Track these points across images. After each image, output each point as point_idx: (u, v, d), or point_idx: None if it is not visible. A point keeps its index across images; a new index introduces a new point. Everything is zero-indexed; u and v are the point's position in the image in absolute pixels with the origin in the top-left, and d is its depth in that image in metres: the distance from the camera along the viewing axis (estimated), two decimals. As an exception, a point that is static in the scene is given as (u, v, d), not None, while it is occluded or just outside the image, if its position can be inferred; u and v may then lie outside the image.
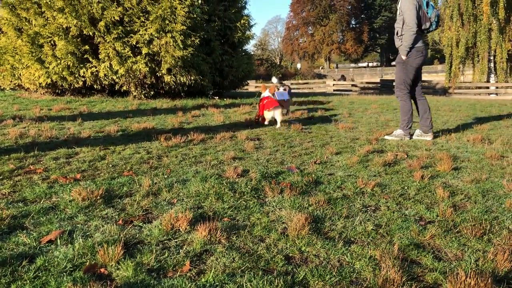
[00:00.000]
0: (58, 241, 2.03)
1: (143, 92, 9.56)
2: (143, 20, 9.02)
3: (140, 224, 2.29)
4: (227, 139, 4.89)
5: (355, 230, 2.24)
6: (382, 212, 2.53)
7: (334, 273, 1.78)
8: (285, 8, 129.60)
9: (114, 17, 8.78)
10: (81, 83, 9.06)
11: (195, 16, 9.45)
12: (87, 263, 1.82)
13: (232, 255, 1.93)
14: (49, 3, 9.04)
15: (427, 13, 4.96)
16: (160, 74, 9.26)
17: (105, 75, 9.07)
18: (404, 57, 5.02)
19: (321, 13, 63.89)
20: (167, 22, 8.91)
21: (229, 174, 3.24)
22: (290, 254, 1.97)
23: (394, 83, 5.29)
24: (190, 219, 2.26)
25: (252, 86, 24.33)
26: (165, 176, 3.23)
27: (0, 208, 2.46)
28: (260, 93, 11.87)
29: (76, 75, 9.13)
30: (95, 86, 9.37)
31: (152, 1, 9.08)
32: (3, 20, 9.83)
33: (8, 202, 2.58)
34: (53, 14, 9.01)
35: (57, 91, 10.02)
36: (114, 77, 9.12)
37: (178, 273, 1.77)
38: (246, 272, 1.78)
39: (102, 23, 8.77)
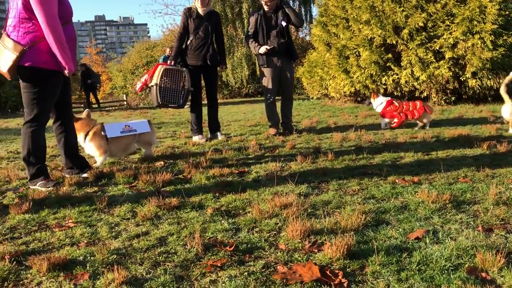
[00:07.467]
0: (426, 239, 2.13)
1: (443, 98, 9.23)
2: (447, 23, 8.71)
3: (502, 233, 2.18)
4: None
5: None
6: None
7: None
8: None
9: (417, 24, 8.78)
10: (382, 90, 9.43)
11: (507, 12, 8.55)
12: (466, 265, 1.85)
13: None
14: (356, 17, 9.78)
15: None
16: (464, 78, 8.75)
17: (406, 81, 9.18)
18: None
19: None
20: (474, 23, 8.34)
21: None
22: None
23: None
24: None
25: None
26: (510, 186, 3.01)
27: (358, 202, 2.78)
28: None
29: (378, 83, 9.56)
30: (395, 93, 9.59)
31: (458, 3, 8.66)
32: (315, 37, 11.21)
33: (362, 199, 2.89)
34: (359, 27, 9.72)
35: (358, 99, 10.74)
36: (415, 84, 9.12)
37: None
38: None
39: (405, 31, 8.90)
